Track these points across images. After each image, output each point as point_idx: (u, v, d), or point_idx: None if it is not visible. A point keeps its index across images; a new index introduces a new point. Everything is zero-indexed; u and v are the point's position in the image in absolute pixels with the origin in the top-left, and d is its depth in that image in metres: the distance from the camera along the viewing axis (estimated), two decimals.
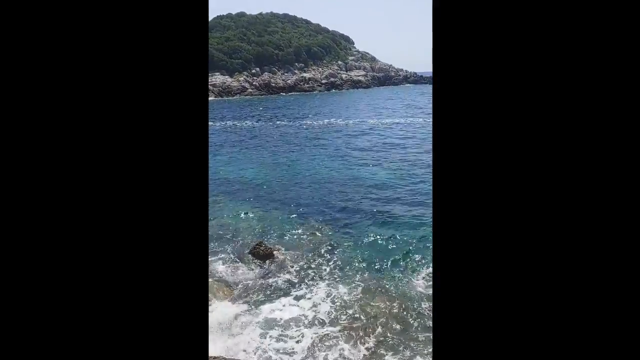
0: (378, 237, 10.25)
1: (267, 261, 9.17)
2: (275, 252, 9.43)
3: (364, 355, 6.09)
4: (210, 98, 69.61)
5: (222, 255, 9.61)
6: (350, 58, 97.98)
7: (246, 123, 35.61)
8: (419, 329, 6.55)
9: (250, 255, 9.42)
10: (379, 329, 6.61)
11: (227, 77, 77.02)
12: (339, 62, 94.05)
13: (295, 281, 8.40)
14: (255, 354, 6.23)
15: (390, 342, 6.32)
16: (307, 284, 8.28)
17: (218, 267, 9.09)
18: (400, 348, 6.15)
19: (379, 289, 7.88)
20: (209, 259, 9.38)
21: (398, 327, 6.68)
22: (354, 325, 6.76)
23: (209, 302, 7.43)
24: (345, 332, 6.63)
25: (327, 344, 6.39)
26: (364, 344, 6.32)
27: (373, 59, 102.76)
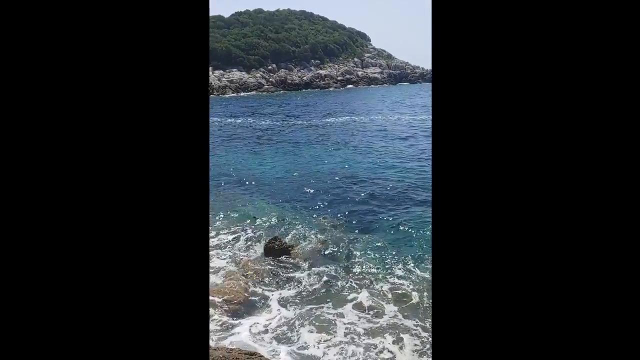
0: (398, 236, 10.15)
1: (282, 257, 9.18)
2: (289, 249, 9.43)
3: (381, 357, 6.08)
4: (227, 95, 70.05)
5: (237, 249, 9.68)
6: (367, 55, 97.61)
7: (264, 119, 35.71)
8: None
9: (265, 250, 9.46)
10: (397, 332, 6.58)
11: (244, 73, 77.39)
12: (355, 59, 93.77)
13: (309, 278, 8.40)
14: (265, 347, 6.26)
15: (406, 344, 6.29)
16: (321, 281, 8.27)
17: (232, 260, 9.16)
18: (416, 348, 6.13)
19: (397, 289, 7.84)
20: (225, 253, 9.47)
21: (416, 330, 6.64)
22: (369, 328, 6.72)
23: (222, 296, 7.50)
24: (358, 334, 6.62)
25: (339, 343, 6.39)
26: (382, 345, 6.30)
27: (389, 56, 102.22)
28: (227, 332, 6.65)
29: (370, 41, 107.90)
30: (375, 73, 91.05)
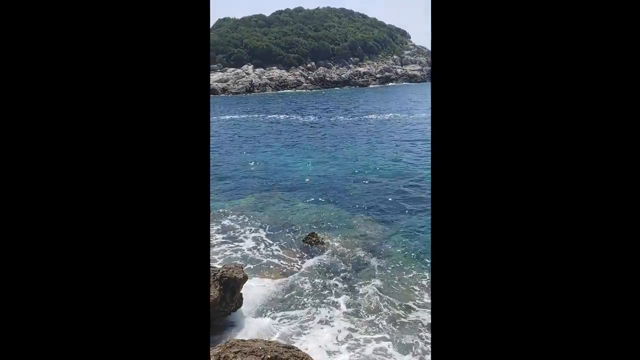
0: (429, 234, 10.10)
1: (319, 251, 9.36)
2: (325, 245, 9.60)
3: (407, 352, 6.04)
4: (267, 92, 71.02)
5: (277, 243, 9.90)
6: (406, 52, 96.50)
7: (304, 117, 36.03)
8: None
9: (302, 244, 9.68)
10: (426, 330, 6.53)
11: (283, 71, 78.12)
12: (395, 57, 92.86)
13: (346, 273, 8.50)
14: (302, 340, 6.32)
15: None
16: (357, 276, 8.36)
17: (271, 254, 9.36)
18: None
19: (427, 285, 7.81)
20: (265, 245, 9.71)
21: None
22: (403, 327, 6.70)
23: (258, 289, 7.61)
24: (388, 332, 6.59)
25: (368, 339, 6.39)
26: (410, 341, 6.27)
27: (429, 54, 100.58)
28: (263, 325, 6.78)
29: (410, 38, 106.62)
30: (414, 70, 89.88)
